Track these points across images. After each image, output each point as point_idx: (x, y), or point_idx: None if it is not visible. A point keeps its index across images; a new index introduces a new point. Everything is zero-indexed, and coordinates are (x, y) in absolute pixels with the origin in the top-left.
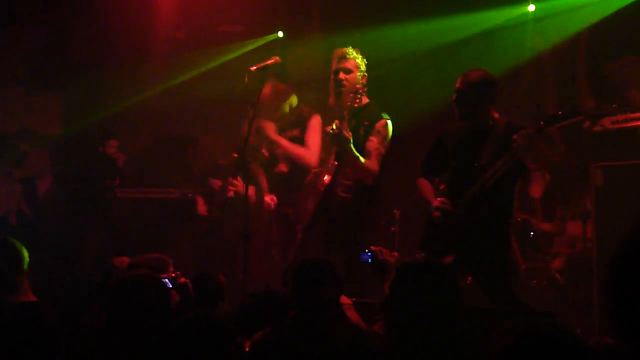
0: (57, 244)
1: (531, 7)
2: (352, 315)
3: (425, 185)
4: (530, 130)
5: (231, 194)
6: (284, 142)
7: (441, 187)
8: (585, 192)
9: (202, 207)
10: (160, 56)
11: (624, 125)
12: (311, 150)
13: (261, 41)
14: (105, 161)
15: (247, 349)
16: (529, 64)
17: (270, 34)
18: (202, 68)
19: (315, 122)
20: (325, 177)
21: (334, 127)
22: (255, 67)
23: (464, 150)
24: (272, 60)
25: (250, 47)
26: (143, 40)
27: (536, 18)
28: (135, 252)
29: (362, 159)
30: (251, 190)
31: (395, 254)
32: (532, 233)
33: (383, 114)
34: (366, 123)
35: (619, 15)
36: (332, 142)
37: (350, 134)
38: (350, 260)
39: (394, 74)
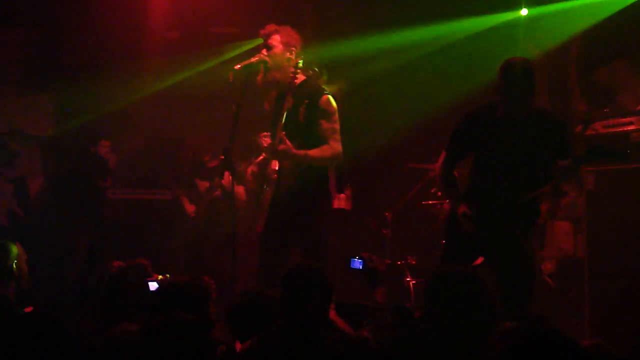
0: (48, 244)
1: (524, 12)
2: (333, 317)
3: (449, 174)
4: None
5: (218, 192)
6: (312, 153)
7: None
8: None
9: (188, 207)
10: (153, 57)
11: (616, 130)
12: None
13: (254, 43)
14: (97, 162)
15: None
16: None
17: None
18: (195, 69)
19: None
20: (274, 163)
21: (267, 144)
22: (239, 66)
23: (499, 147)
24: (257, 58)
25: (244, 48)
26: (136, 41)
27: (528, 23)
28: (126, 253)
29: (311, 153)
30: (240, 190)
31: (387, 260)
32: None
33: (323, 89)
34: (306, 101)
35: (611, 20)
36: (270, 157)
37: (287, 145)
38: (309, 249)
39: (387, 79)
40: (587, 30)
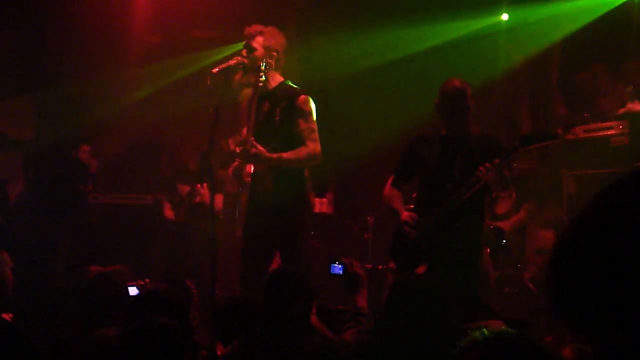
0: (29, 249)
1: (504, 16)
2: (314, 321)
3: (394, 193)
4: (495, 161)
5: (198, 199)
6: (286, 155)
7: (413, 196)
8: (556, 199)
9: (169, 212)
10: (134, 61)
11: (596, 134)
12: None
13: (236, 47)
14: (78, 166)
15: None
16: (503, 74)
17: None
18: (177, 73)
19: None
20: (249, 166)
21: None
22: (217, 70)
23: (438, 160)
24: (234, 61)
25: (226, 53)
26: (117, 45)
27: (510, 28)
28: (107, 258)
29: (285, 155)
30: (219, 198)
31: (368, 265)
32: (504, 241)
33: (301, 90)
34: (283, 103)
35: (592, 26)
36: (245, 161)
37: (259, 149)
38: (287, 253)
39: (367, 82)
40: (568, 35)
